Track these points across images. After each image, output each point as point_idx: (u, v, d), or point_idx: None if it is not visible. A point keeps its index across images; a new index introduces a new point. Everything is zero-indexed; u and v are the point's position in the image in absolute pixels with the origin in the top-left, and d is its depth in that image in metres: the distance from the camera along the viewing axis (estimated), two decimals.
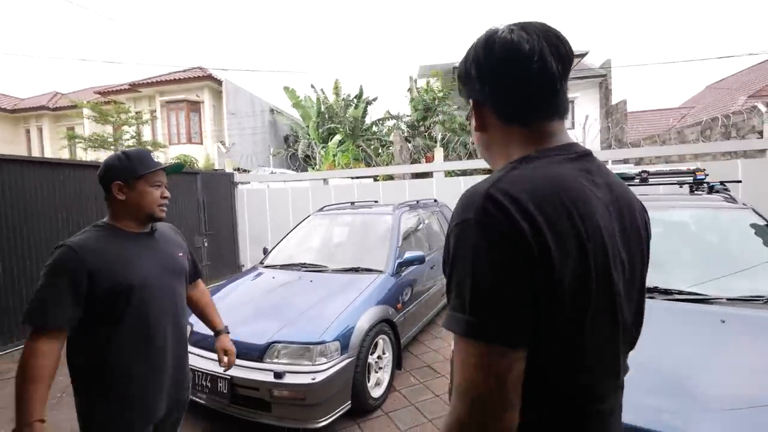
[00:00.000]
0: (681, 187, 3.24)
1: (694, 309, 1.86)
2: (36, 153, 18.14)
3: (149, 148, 13.19)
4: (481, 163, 7.87)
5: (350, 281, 2.82)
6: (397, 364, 2.84)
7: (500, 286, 0.51)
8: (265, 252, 3.77)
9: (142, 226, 1.31)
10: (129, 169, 1.25)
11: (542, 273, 0.51)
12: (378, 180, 9.07)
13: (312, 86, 15.99)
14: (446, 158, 8.80)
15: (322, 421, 2.12)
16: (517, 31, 0.62)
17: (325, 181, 7.62)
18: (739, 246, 2.20)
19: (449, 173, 7.85)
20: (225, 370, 1.60)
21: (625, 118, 15.54)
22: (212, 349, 1.83)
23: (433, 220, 4.33)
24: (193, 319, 1.74)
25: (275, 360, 2.19)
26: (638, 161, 11.73)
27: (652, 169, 3.10)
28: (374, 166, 10.06)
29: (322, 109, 15.52)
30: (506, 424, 0.51)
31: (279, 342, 2.23)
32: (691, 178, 2.92)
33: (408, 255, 3.05)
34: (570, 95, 16.27)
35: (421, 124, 13.04)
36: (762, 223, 2.26)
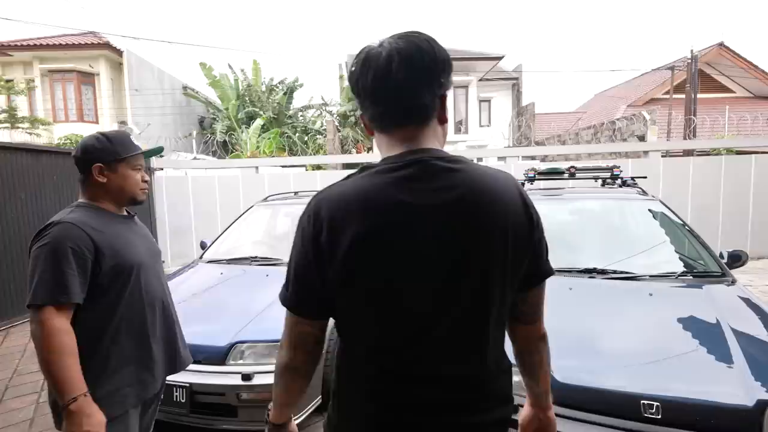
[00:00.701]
0: (596, 180, 3.74)
1: (627, 285, 2.18)
2: None
3: (26, 124, 11.02)
4: None
5: None
6: None
7: (297, 273, 0.73)
8: (204, 246, 3.43)
9: (121, 209, 1.31)
10: (110, 152, 1.23)
11: (325, 265, 0.68)
12: (308, 170, 8.82)
13: (230, 66, 14.82)
14: None
15: (294, 419, 2.03)
16: (378, 45, 0.70)
17: (257, 169, 7.18)
18: (654, 231, 2.62)
19: None
20: None
21: (533, 118, 17.28)
22: None
23: None
24: None
25: (240, 362, 2.02)
26: (543, 158, 13.19)
27: (579, 165, 3.51)
28: (300, 155, 9.74)
29: (242, 90, 14.50)
30: (303, 368, 0.78)
31: (243, 342, 2.07)
32: (609, 173, 3.38)
33: None
34: (486, 95, 17.62)
35: (352, 113, 12.95)
36: (667, 211, 2.72)
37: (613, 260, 2.38)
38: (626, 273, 2.25)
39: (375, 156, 7.09)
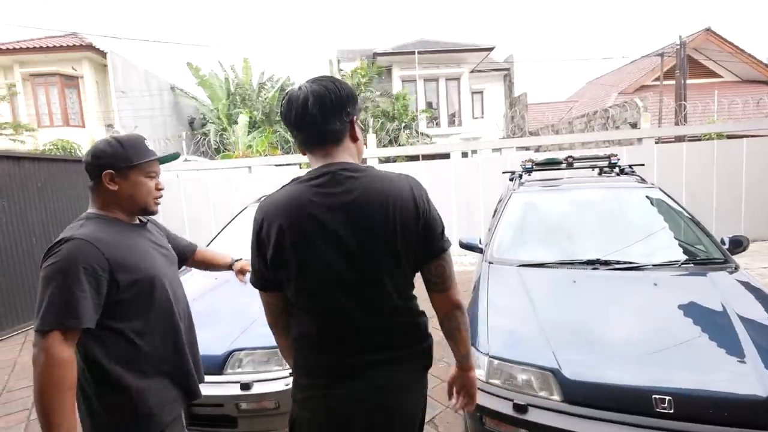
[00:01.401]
0: (593, 170, 3.70)
1: (631, 276, 2.14)
2: None
3: (8, 131, 10.76)
4: (418, 149, 8.07)
5: None
6: None
7: (252, 260, 1.03)
8: None
9: (132, 218, 1.23)
10: (122, 157, 1.15)
11: (265, 251, 0.96)
12: (302, 168, 8.71)
13: (219, 63, 14.55)
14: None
15: None
16: (298, 89, 0.98)
17: (249, 169, 7.07)
18: (655, 220, 2.59)
19: (382, 160, 7.86)
20: None
21: (526, 109, 17.24)
22: None
23: None
24: None
25: (238, 370, 1.96)
26: (537, 148, 13.17)
27: (576, 154, 3.47)
28: (294, 153, 9.63)
29: (233, 89, 14.27)
30: (276, 329, 1.10)
31: (241, 349, 2.00)
32: (607, 162, 3.35)
33: None
34: (478, 87, 17.54)
35: None
36: (667, 199, 2.69)
37: (615, 251, 2.34)
38: (629, 263, 2.21)
39: (370, 151, 7.01)
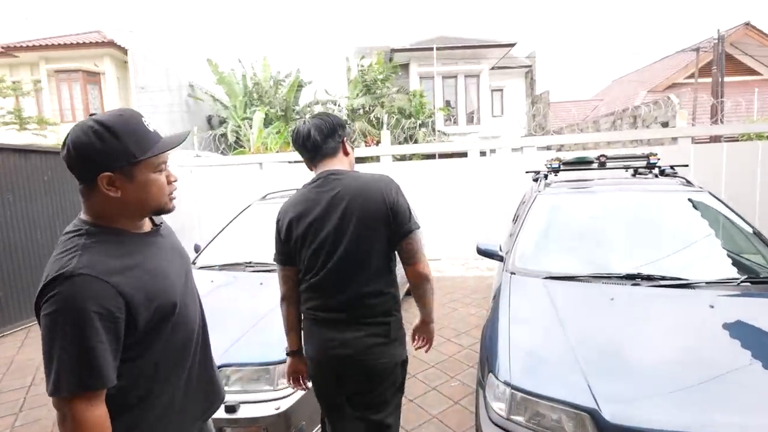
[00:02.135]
0: (626, 170, 3.35)
1: (681, 295, 1.83)
2: None
3: (32, 126, 10.97)
4: (434, 147, 7.78)
5: None
6: None
7: (276, 244, 1.42)
8: (197, 250, 3.18)
9: (142, 223, 0.99)
10: (121, 153, 0.86)
11: (281, 236, 1.38)
12: None
13: (239, 61, 14.57)
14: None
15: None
16: (303, 124, 1.42)
17: (261, 165, 6.92)
18: (706, 228, 2.25)
19: (396, 158, 7.60)
20: None
21: (548, 107, 16.66)
22: None
23: None
24: None
25: (225, 388, 1.75)
26: (559, 148, 12.66)
27: (609, 153, 3.14)
28: None
29: (250, 87, 14.25)
30: (288, 301, 1.44)
31: (229, 365, 1.79)
32: (645, 161, 3.00)
33: None
34: (498, 84, 17.05)
35: (360, 106, 12.59)
36: (719, 205, 2.34)
37: (659, 264, 2.03)
38: (677, 279, 1.89)
39: (384, 148, 6.76)
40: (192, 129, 12.96)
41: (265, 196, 3.74)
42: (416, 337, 1.52)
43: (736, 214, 2.28)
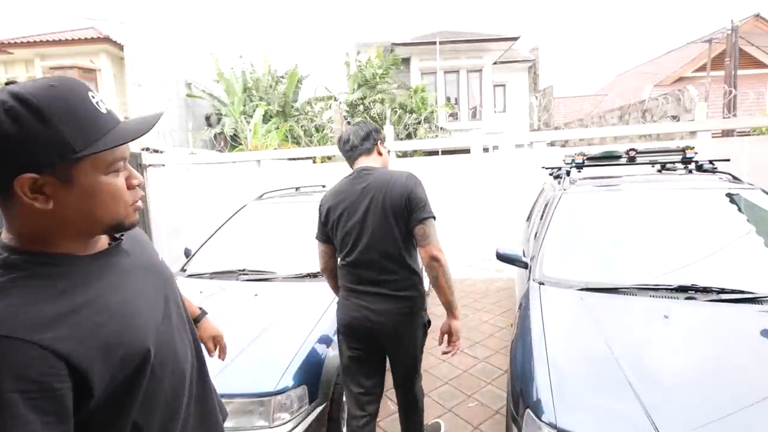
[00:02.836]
0: (652, 166, 3.07)
1: (748, 312, 1.55)
2: None
3: None
4: (436, 143, 7.49)
5: (310, 293, 2.15)
6: None
7: (318, 226, 1.73)
8: (188, 254, 2.91)
9: (93, 242, 0.70)
10: (50, 144, 0.57)
11: (321, 219, 1.69)
12: (316, 162, 8.27)
13: (240, 57, 14.28)
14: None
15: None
16: (345, 131, 1.75)
17: (258, 162, 6.64)
18: (765, 231, 1.97)
19: (399, 154, 7.32)
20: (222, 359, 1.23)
21: (551, 103, 16.34)
22: None
23: None
24: None
25: None
26: (564, 143, 12.38)
27: (640, 147, 2.86)
28: (308, 146, 9.19)
29: (249, 83, 13.98)
30: (327, 273, 1.77)
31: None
32: (680, 156, 2.72)
33: None
34: (501, 79, 16.76)
35: (360, 102, 12.29)
36: None
37: (715, 273, 1.76)
38: (741, 292, 1.62)
39: (388, 145, 6.49)
40: (187, 125, 12.70)
41: (262, 195, 3.47)
42: (443, 340, 1.64)
43: None
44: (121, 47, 13.90)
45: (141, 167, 5.93)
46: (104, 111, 0.63)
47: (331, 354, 1.79)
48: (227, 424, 1.49)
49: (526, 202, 4.33)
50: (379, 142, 1.72)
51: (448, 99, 15.57)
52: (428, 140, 8.55)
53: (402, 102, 12.37)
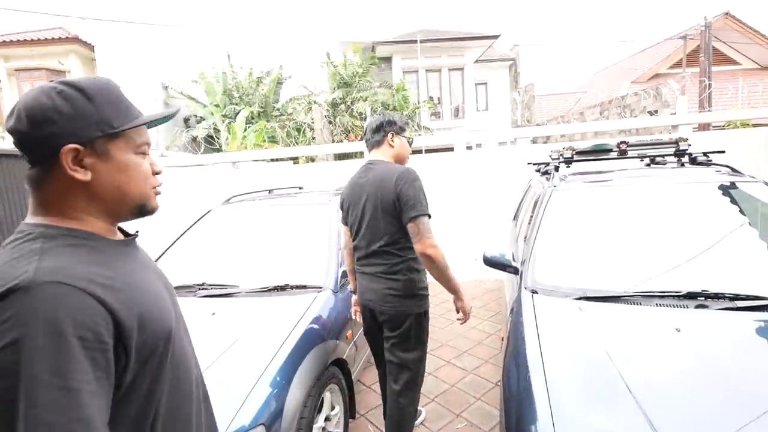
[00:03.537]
0: (641, 160, 2.93)
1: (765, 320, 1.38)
2: None
3: None
4: (417, 141, 7.27)
5: (275, 309, 1.90)
6: (350, 412, 2.04)
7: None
8: None
9: (114, 228, 0.74)
10: (94, 120, 0.66)
11: (341, 206, 1.92)
12: (296, 163, 7.98)
13: (228, 56, 13.85)
14: None
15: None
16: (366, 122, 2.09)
17: (234, 164, 6.33)
18: None
19: None
20: None
21: (533, 100, 16.40)
22: None
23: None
24: None
25: None
26: (546, 140, 12.39)
27: (631, 139, 2.70)
28: (287, 146, 8.88)
29: (231, 84, 13.57)
30: (347, 251, 1.97)
31: None
32: (673, 149, 2.58)
33: None
34: (483, 78, 16.76)
35: (341, 101, 12.02)
36: None
37: (727, 277, 1.58)
38: (756, 298, 1.45)
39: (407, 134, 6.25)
40: (164, 128, 12.20)
41: (230, 198, 3.19)
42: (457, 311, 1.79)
43: None
44: (91, 48, 13.38)
45: None
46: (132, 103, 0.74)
47: (296, 383, 1.54)
48: None
49: (512, 199, 4.17)
50: (391, 134, 1.79)
51: (431, 98, 15.44)
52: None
53: (384, 101, 12.15)
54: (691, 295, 1.50)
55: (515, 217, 3.56)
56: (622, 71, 17.89)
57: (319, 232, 2.44)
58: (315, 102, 12.51)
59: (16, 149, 0.67)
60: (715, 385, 1.17)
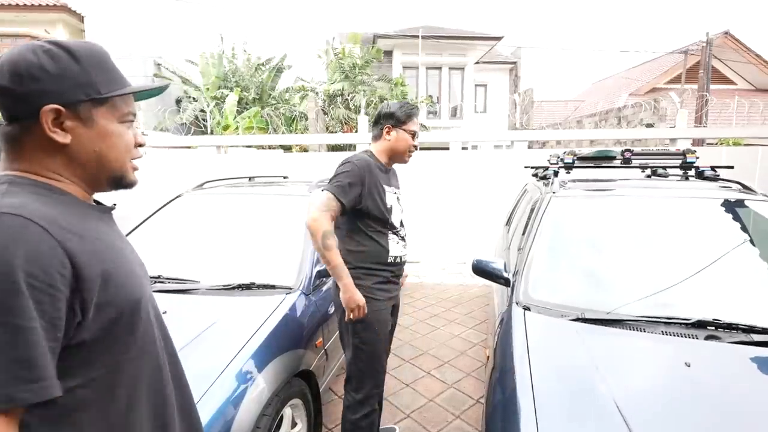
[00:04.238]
0: (642, 171, 2.78)
1: None
2: None
3: None
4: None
5: (235, 311, 1.69)
6: (315, 429, 1.85)
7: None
8: None
9: (90, 195, 0.72)
10: (80, 82, 0.64)
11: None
12: (286, 153, 7.72)
13: (221, 38, 13.42)
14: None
15: None
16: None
17: (219, 148, 6.05)
18: None
19: None
20: None
21: (531, 105, 16.33)
22: None
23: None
24: None
25: None
26: (542, 145, 12.31)
27: (636, 149, 2.54)
28: (276, 134, 8.62)
29: (227, 68, 13.19)
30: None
31: None
32: (680, 161, 2.42)
33: None
34: (483, 80, 16.67)
35: (339, 93, 11.75)
36: None
37: (742, 305, 1.42)
38: None
39: (360, 136, 6.03)
40: (155, 108, 11.84)
41: (203, 184, 2.95)
42: None
43: None
44: (81, 18, 12.91)
45: None
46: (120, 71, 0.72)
47: (249, 400, 1.34)
48: None
49: (506, 203, 4.01)
50: (387, 127, 1.70)
51: (430, 96, 15.25)
52: None
53: (382, 95, 11.92)
54: (700, 324, 1.34)
55: (508, 223, 3.39)
56: (621, 83, 17.94)
57: (295, 227, 2.22)
58: (312, 90, 12.23)
59: None
60: None
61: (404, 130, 1.71)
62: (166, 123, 11.29)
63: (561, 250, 1.83)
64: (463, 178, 5.72)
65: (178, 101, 15.42)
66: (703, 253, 1.67)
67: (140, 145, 0.75)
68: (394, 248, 1.69)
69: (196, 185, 2.92)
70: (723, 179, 2.25)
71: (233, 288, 1.84)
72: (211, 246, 2.24)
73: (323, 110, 11.10)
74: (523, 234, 2.08)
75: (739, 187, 2.09)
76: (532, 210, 2.24)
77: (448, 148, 8.38)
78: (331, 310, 2.00)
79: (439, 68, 15.73)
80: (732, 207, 1.87)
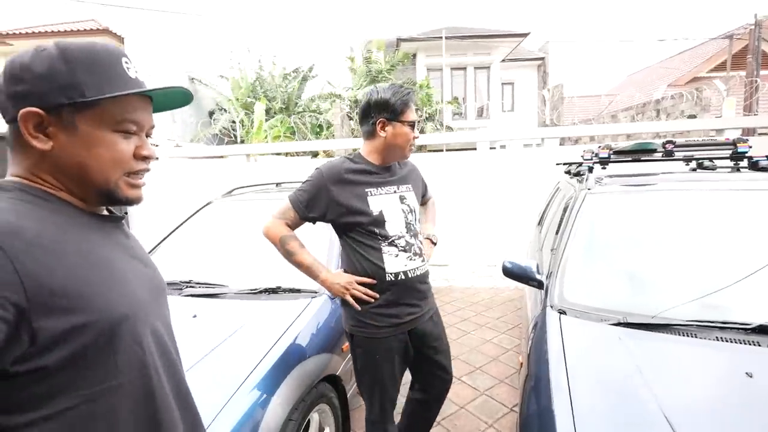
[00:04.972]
0: (686, 164, 2.58)
1: None
2: None
3: None
4: (439, 138, 7.03)
5: (262, 315, 1.70)
6: (344, 431, 1.82)
7: None
8: None
9: (93, 204, 0.66)
10: (62, 84, 0.59)
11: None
12: (313, 159, 7.85)
13: (248, 50, 13.95)
14: None
15: None
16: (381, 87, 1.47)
17: (248, 156, 6.22)
18: None
19: None
20: None
21: (561, 101, 15.78)
22: None
23: None
24: None
25: None
26: (575, 142, 11.84)
27: (679, 140, 2.37)
28: (304, 141, 8.77)
29: (252, 79, 13.67)
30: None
31: None
32: (730, 151, 2.23)
33: None
34: (510, 77, 16.30)
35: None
36: None
37: None
38: None
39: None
40: (190, 120, 12.36)
41: (232, 191, 3.03)
42: None
43: None
44: (122, 39, 13.70)
45: None
46: (132, 75, 0.65)
47: (275, 406, 1.33)
48: None
49: (537, 203, 3.86)
50: (381, 122, 1.41)
51: (455, 98, 15.08)
52: (431, 135, 8.09)
53: None
54: (763, 329, 1.20)
55: (540, 223, 3.25)
56: (658, 73, 17.04)
57: (321, 231, 2.21)
58: (339, 96, 12.41)
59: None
60: None
61: (402, 122, 1.39)
62: (200, 135, 11.79)
63: (598, 250, 1.72)
64: (492, 178, 5.58)
65: (211, 113, 16.10)
66: (760, 251, 1.51)
67: (146, 158, 0.67)
68: (393, 263, 1.40)
69: (225, 192, 3.00)
70: None
71: (260, 292, 1.85)
72: (240, 251, 2.28)
73: (348, 116, 11.22)
74: (557, 234, 1.98)
75: None
76: (565, 209, 2.13)
77: (475, 149, 8.23)
78: None
79: (464, 68, 15.53)
80: None
